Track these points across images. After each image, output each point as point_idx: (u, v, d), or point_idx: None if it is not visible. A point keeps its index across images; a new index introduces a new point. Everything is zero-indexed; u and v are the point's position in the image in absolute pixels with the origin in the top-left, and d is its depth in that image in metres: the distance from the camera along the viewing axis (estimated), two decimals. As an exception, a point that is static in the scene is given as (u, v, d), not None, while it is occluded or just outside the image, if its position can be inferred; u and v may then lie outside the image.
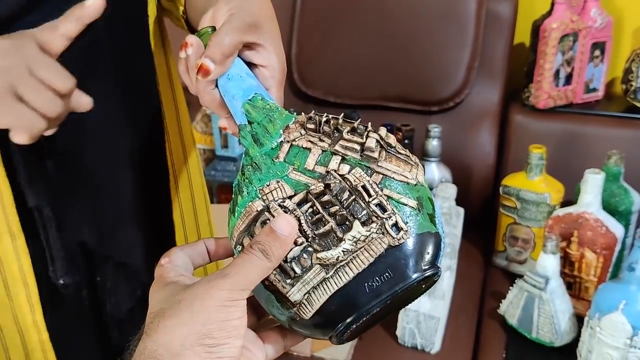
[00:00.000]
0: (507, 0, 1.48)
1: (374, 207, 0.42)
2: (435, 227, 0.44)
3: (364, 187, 0.43)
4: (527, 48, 1.50)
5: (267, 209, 0.44)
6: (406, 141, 1.33)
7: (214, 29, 0.52)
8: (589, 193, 1.14)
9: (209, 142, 1.55)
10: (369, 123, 0.47)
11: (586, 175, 1.14)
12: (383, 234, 0.42)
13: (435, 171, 1.36)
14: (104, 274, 0.68)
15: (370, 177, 0.43)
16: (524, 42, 1.56)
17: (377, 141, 0.45)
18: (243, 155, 0.49)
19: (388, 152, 0.45)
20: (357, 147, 0.44)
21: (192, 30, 0.68)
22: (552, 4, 1.40)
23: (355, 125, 0.46)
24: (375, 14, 1.49)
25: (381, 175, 0.43)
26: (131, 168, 0.68)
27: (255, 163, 0.46)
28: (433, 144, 1.35)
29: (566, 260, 1.17)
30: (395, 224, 0.42)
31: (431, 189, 1.37)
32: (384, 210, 0.42)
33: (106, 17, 0.52)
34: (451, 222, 1.19)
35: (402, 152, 0.46)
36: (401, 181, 0.43)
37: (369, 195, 0.42)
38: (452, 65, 1.46)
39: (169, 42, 0.74)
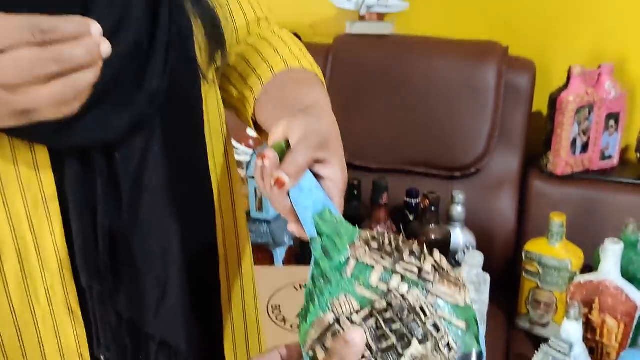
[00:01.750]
0: (525, 73, 1.57)
1: (429, 327, 0.49)
2: (479, 345, 0.51)
3: (421, 307, 0.49)
4: (545, 117, 1.58)
5: (337, 321, 0.50)
6: (433, 208, 1.40)
7: (287, 143, 0.59)
8: (608, 262, 1.20)
9: (244, 204, 1.63)
10: (424, 245, 0.54)
11: (606, 244, 1.20)
12: (437, 351, 0.48)
13: (460, 236, 1.43)
14: (148, 352, 0.71)
15: (426, 298, 0.50)
16: (542, 111, 1.64)
17: (433, 265, 0.52)
18: (313, 264, 0.55)
19: (441, 275, 0.51)
20: (415, 269, 0.51)
21: (257, 128, 0.75)
22: (568, 78, 1.49)
23: (414, 248, 0.53)
24: (400, 85, 1.58)
25: (436, 297, 0.50)
26: (180, 251, 0.70)
27: (326, 276, 0.53)
28: (458, 210, 1.42)
29: (588, 326, 1.22)
30: (448, 344, 0.49)
31: (456, 253, 1.43)
32: (437, 329, 0.49)
33: (161, 107, 0.58)
34: (479, 289, 1.25)
35: (452, 274, 0.52)
36: (452, 303, 0.50)
37: (425, 315, 0.49)
38: (474, 133, 1.55)
39: (226, 123, 0.78)
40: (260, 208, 1.54)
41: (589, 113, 1.50)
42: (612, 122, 1.53)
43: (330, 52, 1.66)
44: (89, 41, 0.46)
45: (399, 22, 1.67)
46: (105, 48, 0.47)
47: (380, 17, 1.65)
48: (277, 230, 1.52)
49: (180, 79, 0.65)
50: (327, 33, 1.74)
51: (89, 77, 0.47)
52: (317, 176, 0.60)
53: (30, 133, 0.56)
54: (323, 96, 0.68)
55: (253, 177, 1.52)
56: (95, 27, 0.47)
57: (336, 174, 0.59)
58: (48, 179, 0.59)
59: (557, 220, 1.32)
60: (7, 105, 0.46)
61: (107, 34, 0.56)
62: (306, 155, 0.56)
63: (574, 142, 1.51)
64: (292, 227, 0.59)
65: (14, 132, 0.56)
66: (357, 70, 1.63)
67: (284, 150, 0.58)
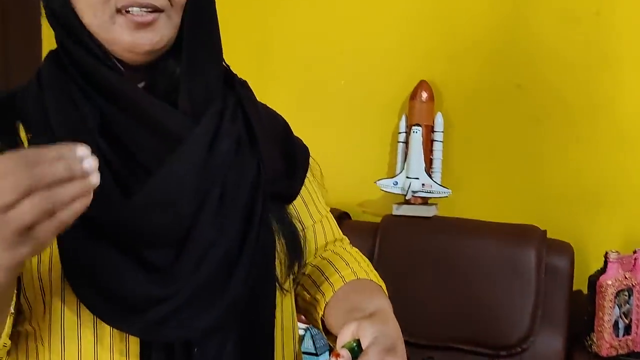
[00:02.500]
0: (564, 256, 1.66)
1: None
2: None
3: None
4: (585, 296, 1.64)
5: None
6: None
7: (358, 343, 0.66)
8: None
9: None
10: None
11: None
12: None
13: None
14: None
15: None
16: (582, 290, 1.71)
17: None
18: None
19: None
20: None
21: (325, 329, 0.84)
22: (605, 262, 1.57)
23: None
24: (445, 264, 1.68)
25: None
26: None
27: None
28: (505, 391, 1.45)
29: None
30: None
31: None
32: None
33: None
34: None
35: None
36: None
37: None
38: (517, 312, 1.62)
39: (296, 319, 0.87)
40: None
41: (629, 296, 1.56)
42: (652, 306, 1.59)
43: (378, 230, 1.78)
44: (71, 160, 0.49)
45: (443, 205, 1.81)
46: (94, 179, 0.50)
47: (425, 200, 1.79)
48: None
49: (258, 290, 0.75)
50: (375, 212, 1.89)
51: (78, 206, 0.51)
52: None
53: (128, 326, 0.67)
54: (387, 304, 0.78)
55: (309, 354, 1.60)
56: (81, 150, 0.50)
57: None
58: None
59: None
60: (5, 225, 0.49)
61: (202, 249, 0.69)
62: (378, 358, 0.63)
63: (616, 324, 1.56)
64: None
65: (115, 323, 0.67)
66: (404, 248, 1.75)
67: (354, 350, 0.66)
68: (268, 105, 0.88)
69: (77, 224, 0.65)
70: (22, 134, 0.72)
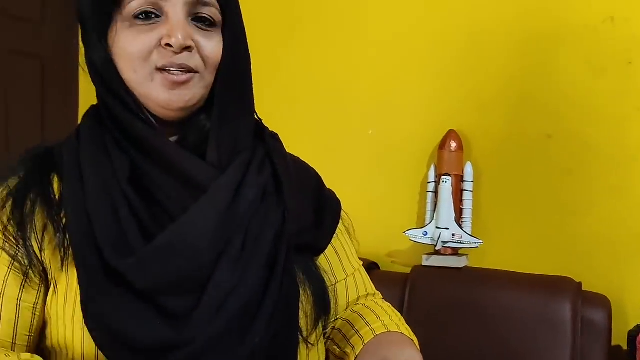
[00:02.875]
0: (601, 309, 1.61)
1: None
2: None
3: None
4: (625, 351, 1.58)
5: None
6: None
7: None
8: None
9: None
10: None
11: None
12: None
13: None
14: None
15: None
16: (621, 345, 1.65)
17: None
18: None
19: None
20: None
21: None
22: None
23: None
24: (476, 315, 1.64)
25: None
26: None
27: None
28: None
29: None
30: None
31: None
32: None
33: None
34: None
35: None
36: None
37: None
38: (554, 368, 1.56)
39: None
40: None
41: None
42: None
43: (407, 281, 1.76)
44: None
45: (473, 255, 1.78)
46: None
47: (455, 251, 1.77)
48: None
49: (280, 340, 0.74)
50: (404, 263, 1.86)
51: None
52: None
53: None
54: (418, 356, 0.77)
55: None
56: None
57: None
58: None
59: None
60: None
61: (221, 296, 0.69)
62: None
63: (659, 383, 1.49)
64: None
65: None
66: (434, 300, 1.71)
67: None
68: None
69: (97, 270, 0.67)
70: (56, 185, 0.75)
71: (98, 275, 0.65)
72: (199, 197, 0.72)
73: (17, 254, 0.72)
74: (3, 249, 0.73)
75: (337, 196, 0.91)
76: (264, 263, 0.73)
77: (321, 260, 0.85)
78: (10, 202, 0.74)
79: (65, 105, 2.17)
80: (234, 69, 0.77)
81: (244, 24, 0.80)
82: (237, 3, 0.79)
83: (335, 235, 0.87)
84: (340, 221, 0.89)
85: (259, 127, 0.83)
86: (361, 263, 0.93)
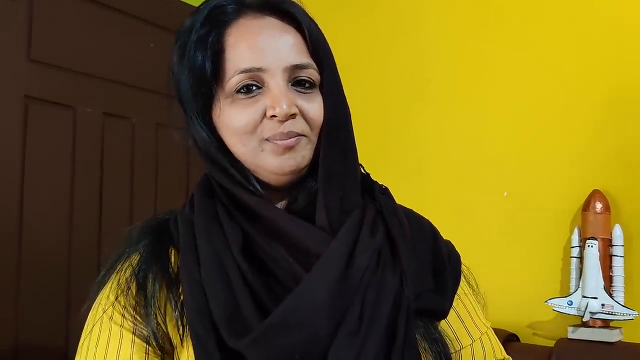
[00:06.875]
0: None
1: None
2: None
3: None
4: None
5: None
6: None
7: None
8: None
9: None
10: None
11: None
12: None
13: None
14: None
15: None
16: None
17: None
18: None
19: None
20: None
21: None
22: None
23: None
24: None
25: None
26: None
27: None
28: None
29: None
30: None
31: None
32: None
33: None
34: None
35: None
36: None
37: None
38: None
39: None
40: None
41: None
42: None
43: (551, 356, 1.61)
44: None
45: (628, 328, 1.60)
46: None
47: (606, 323, 1.60)
48: None
49: None
50: (547, 335, 1.71)
51: None
52: None
53: None
54: None
55: None
56: None
57: None
58: None
59: None
60: None
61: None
62: None
63: None
64: None
65: None
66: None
67: None
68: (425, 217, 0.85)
69: (213, 348, 0.66)
70: (173, 258, 0.77)
71: (214, 353, 0.64)
72: (311, 264, 0.69)
73: (148, 338, 0.73)
74: (134, 333, 0.73)
75: (457, 250, 0.84)
76: (382, 333, 0.68)
77: (443, 324, 0.79)
78: (134, 283, 0.75)
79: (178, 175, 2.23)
80: (336, 127, 0.76)
81: (341, 80, 0.79)
82: (332, 58, 0.78)
83: (457, 295, 0.81)
84: (462, 278, 0.83)
85: (368, 182, 0.81)
86: (489, 325, 0.85)
